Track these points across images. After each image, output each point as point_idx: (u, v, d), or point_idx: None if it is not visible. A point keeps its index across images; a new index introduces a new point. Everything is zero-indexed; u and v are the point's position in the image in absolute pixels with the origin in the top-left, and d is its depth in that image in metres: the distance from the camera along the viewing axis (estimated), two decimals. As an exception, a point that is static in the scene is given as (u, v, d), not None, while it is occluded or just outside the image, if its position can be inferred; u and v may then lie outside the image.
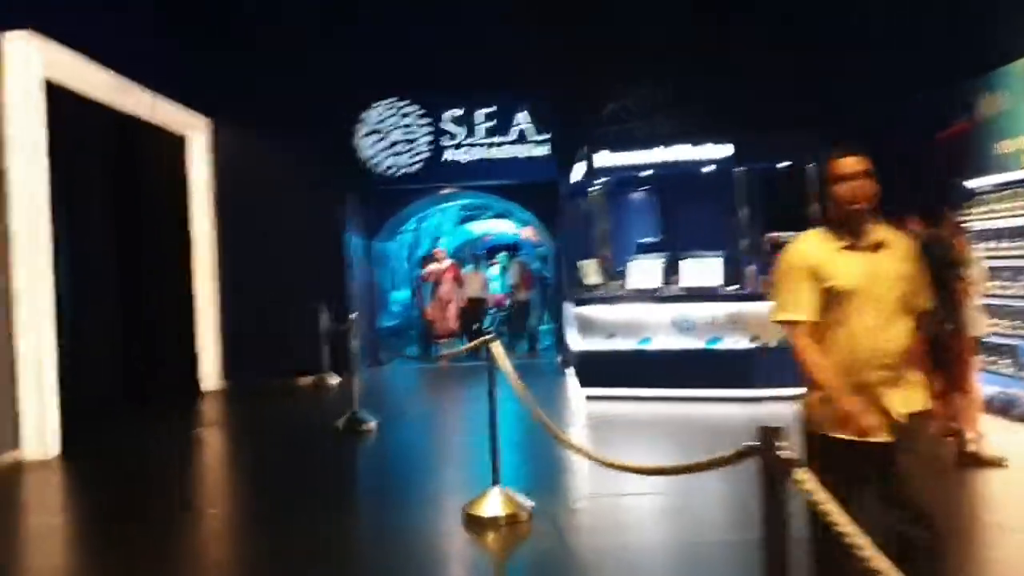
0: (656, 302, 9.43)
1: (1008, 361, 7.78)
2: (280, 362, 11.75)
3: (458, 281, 14.56)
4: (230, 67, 11.77)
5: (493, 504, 5.06)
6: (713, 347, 9.17)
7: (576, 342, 10.15)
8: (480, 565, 4.83)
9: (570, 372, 11.29)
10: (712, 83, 10.78)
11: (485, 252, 18.91)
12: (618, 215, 11.13)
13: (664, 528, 5.14)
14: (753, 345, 9.07)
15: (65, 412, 7.75)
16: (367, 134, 12.45)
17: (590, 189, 11.08)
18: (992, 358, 7.84)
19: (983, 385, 6.56)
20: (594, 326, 9.51)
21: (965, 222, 7.66)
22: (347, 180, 12.49)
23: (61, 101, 8.28)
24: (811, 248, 3.10)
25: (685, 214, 11.69)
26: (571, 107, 11.55)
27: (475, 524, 5.02)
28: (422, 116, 12.40)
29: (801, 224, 9.49)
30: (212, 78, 11.65)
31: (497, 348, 5.26)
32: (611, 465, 3.38)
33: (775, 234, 9.73)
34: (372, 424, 8.26)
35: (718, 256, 9.63)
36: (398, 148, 12.39)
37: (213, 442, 8.67)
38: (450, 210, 18.55)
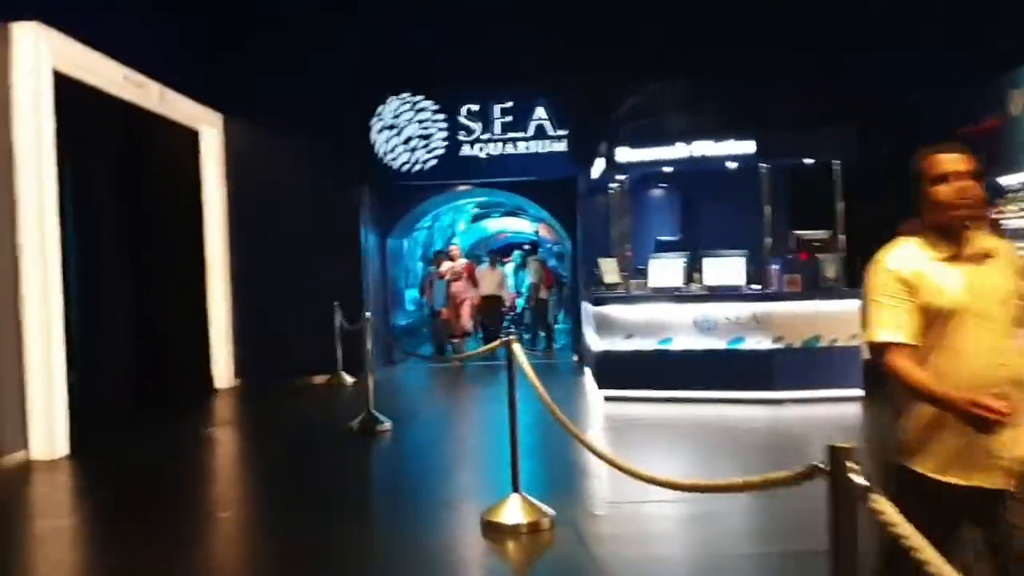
0: (677, 301, 9.23)
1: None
2: (293, 361, 11.61)
3: (472, 280, 14.38)
4: (243, 62, 11.63)
5: (513, 511, 4.85)
6: (735, 348, 8.96)
7: (594, 342, 9.96)
8: (501, 576, 4.64)
9: (587, 372, 11.10)
10: (734, 78, 10.55)
11: (500, 250, 18.76)
12: (637, 212, 10.91)
13: (691, 538, 4.94)
14: (776, 346, 8.86)
15: (75, 411, 7.61)
16: (382, 129, 12.27)
17: (610, 185, 10.88)
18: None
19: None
20: (613, 325, 9.30)
21: (1000, 220, 7.44)
22: (362, 176, 12.32)
23: (71, 94, 8.14)
24: (906, 259, 2.63)
25: (706, 212, 11.48)
26: (589, 103, 11.33)
27: (495, 532, 4.82)
28: (437, 112, 12.21)
29: (827, 222, 9.36)
30: (224, 72, 11.53)
31: (517, 349, 5.06)
32: (653, 481, 3.08)
33: (800, 232, 9.53)
34: (387, 425, 8.09)
35: (741, 255, 9.42)
36: (413, 144, 12.21)
37: (224, 442, 8.51)
38: (465, 207, 18.38)
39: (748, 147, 9.43)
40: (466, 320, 14.26)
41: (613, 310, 9.37)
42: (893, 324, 2.54)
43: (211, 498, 6.41)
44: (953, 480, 2.54)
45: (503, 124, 12.11)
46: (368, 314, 8.68)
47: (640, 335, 9.20)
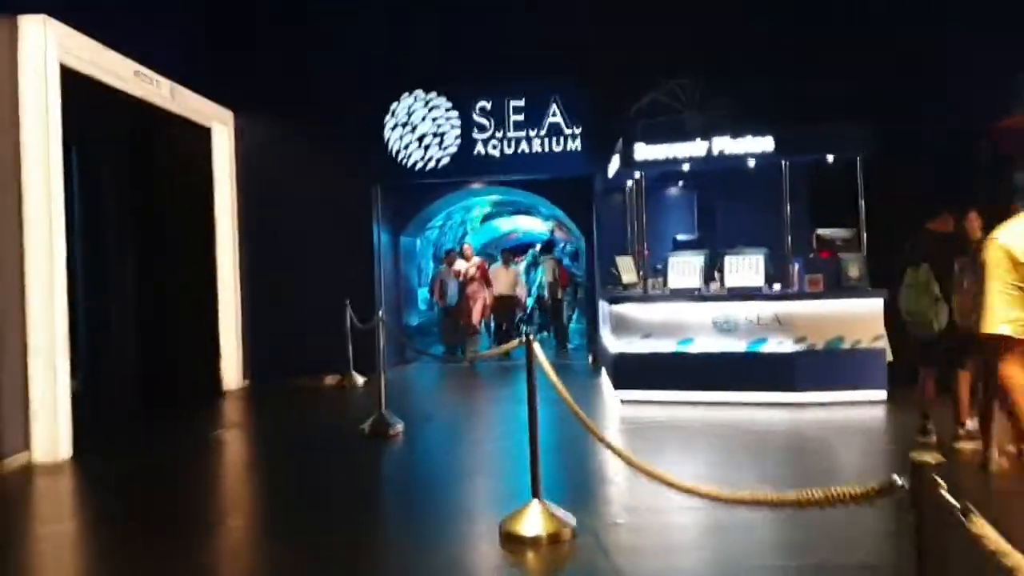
0: (696, 301, 9.02)
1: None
2: (304, 361, 11.48)
3: (485, 279, 14.20)
4: (254, 59, 11.55)
5: (533, 520, 4.64)
6: (756, 349, 8.73)
7: (611, 342, 9.74)
8: (521, 590, 4.42)
9: (603, 373, 10.89)
10: (754, 74, 10.34)
11: (513, 249, 18.56)
12: (654, 210, 10.68)
13: (715, 548, 4.70)
14: (798, 347, 8.64)
15: (80, 412, 7.45)
16: (395, 127, 12.10)
17: (627, 182, 10.67)
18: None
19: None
20: (630, 326, 9.09)
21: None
22: (374, 174, 12.16)
23: (80, 89, 7.99)
24: (1020, 234, 2.34)
25: (725, 210, 11.23)
26: (604, 99, 11.12)
27: (514, 542, 4.60)
28: (451, 109, 12.02)
29: (850, 220, 9.13)
30: (236, 69, 11.43)
31: (537, 349, 4.86)
32: (695, 492, 2.82)
33: (822, 231, 9.31)
34: (399, 427, 7.91)
35: (761, 253, 9.20)
36: (427, 141, 12.03)
37: (232, 445, 8.32)
38: (473, 210, 18.21)
39: (767, 144, 9.20)
40: (476, 318, 14.08)
41: (630, 309, 9.16)
42: (1005, 314, 2.27)
43: (217, 502, 6.22)
44: None
45: (516, 122, 11.92)
46: (381, 313, 8.50)
47: (657, 335, 8.99)
